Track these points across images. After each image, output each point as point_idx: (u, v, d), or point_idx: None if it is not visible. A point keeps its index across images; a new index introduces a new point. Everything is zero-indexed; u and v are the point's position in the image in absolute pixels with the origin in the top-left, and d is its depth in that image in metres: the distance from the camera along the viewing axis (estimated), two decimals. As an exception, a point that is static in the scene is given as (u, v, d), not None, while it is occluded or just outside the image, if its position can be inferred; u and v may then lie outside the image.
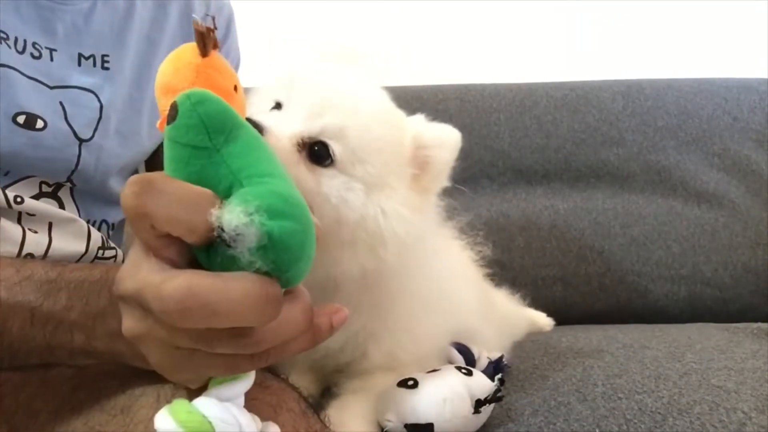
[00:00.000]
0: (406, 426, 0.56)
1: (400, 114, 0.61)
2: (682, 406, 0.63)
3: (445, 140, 0.59)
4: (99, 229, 0.71)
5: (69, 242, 0.64)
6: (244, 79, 0.49)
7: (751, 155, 1.25)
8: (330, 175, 0.54)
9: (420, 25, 1.50)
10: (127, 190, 0.34)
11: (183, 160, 0.36)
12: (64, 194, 0.68)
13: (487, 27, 1.51)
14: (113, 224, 0.75)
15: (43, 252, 0.61)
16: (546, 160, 1.26)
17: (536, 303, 1.09)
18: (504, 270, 1.00)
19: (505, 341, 0.83)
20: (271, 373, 0.55)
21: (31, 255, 0.60)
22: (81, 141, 0.66)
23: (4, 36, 0.61)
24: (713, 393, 0.65)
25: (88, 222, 0.69)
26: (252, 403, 0.47)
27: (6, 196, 0.60)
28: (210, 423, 0.36)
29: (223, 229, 0.33)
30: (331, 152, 0.54)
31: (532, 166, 1.27)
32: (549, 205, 1.24)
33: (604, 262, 1.21)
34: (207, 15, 0.72)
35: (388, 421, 0.57)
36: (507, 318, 0.89)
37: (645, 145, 1.26)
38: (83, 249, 0.65)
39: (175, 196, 0.34)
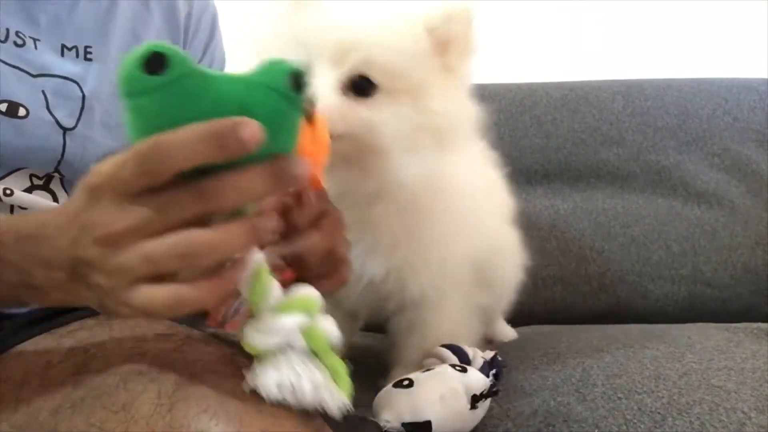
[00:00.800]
0: (404, 425, 0.56)
1: (410, 9, 0.61)
2: (682, 406, 0.63)
3: (452, 13, 0.61)
4: None
5: None
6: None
7: (751, 155, 1.25)
8: (380, 101, 0.57)
9: (420, 25, 1.50)
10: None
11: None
12: (56, 186, 0.68)
13: (487, 27, 1.50)
14: None
15: None
16: (546, 160, 1.26)
17: (536, 303, 1.09)
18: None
19: (518, 264, 0.85)
20: None
21: None
22: (65, 130, 0.67)
23: None
24: (713, 393, 0.65)
25: None
26: (253, 397, 0.47)
27: None
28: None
29: None
30: (372, 81, 0.57)
31: (532, 166, 1.26)
32: (549, 205, 1.24)
33: (604, 262, 1.21)
34: None
35: (386, 421, 0.57)
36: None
37: (645, 145, 1.26)
38: None
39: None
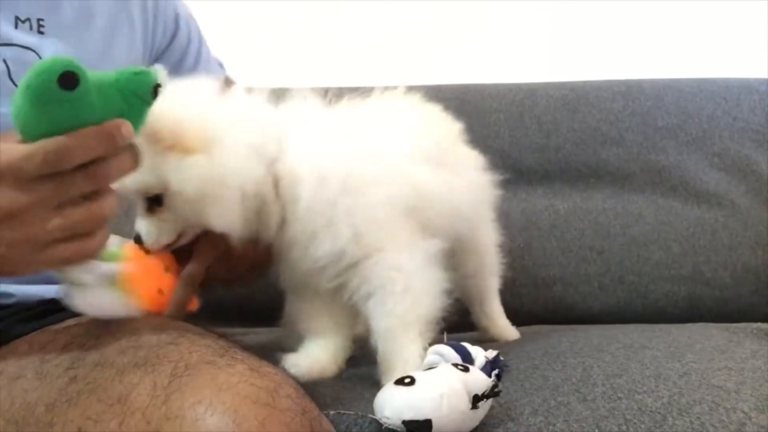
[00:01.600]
0: (404, 422, 0.56)
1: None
2: (682, 406, 0.63)
3: (154, 121, 0.61)
4: None
5: None
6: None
7: (751, 155, 1.25)
8: (167, 206, 0.68)
9: (420, 25, 1.50)
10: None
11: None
12: None
13: (487, 27, 1.51)
14: None
15: None
16: (546, 160, 1.26)
17: (536, 303, 1.09)
18: (504, 270, 1.00)
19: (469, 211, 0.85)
20: (264, 359, 0.55)
21: None
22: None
23: None
24: (713, 393, 0.65)
25: None
26: (250, 388, 0.47)
27: None
28: None
29: None
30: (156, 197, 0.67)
31: (532, 166, 1.26)
32: (549, 205, 1.24)
33: (604, 262, 1.21)
34: None
35: (386, 418, 0.57)
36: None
37: (645, 145, 1.26)
38: None
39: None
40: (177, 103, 0.64)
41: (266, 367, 0.52)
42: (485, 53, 1.49)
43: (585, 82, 1.33)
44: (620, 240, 1.21)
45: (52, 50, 0.70)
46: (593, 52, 1.48)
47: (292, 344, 0.79)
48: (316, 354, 0.78)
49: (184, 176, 0.65)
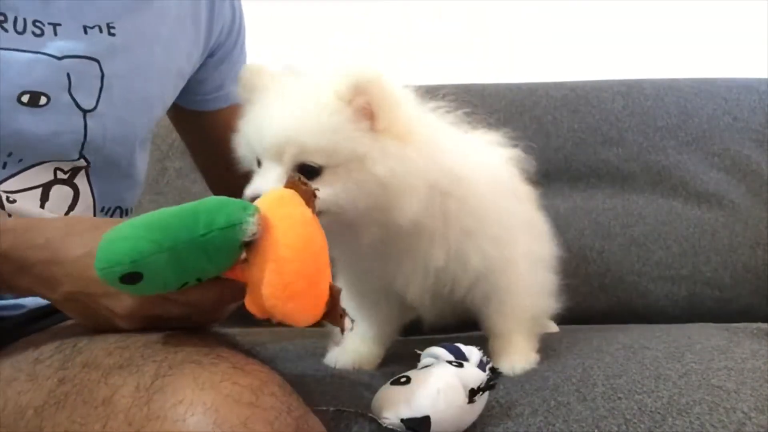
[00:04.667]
0: (403, 421, 0.56)
1: (327, 89, 0.62)
2: (681, 406, 0.63)
3: (360, 83, 0.61)
4: (112, 216, 0.72)
5: None
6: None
7: (751, 155, 1.25)
8: (326, 180, 0.61)
9: (420, 25, 1.50)
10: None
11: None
12: (80, 180, 0.69)
13: (487, 27, 1.50)
14: (127, 210, 0.76)
15: None
16: (546, 160, 1.26)
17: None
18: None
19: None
20: (252, 357, 0.54)
21: None
22: (85, 112, 0.67)
23: (2, 19, 0.62)
24: (713, 393, 0.65)
25: (102, 211, 0.70)
26: (232, 387, 0.46)
27: None
28: None
29: None
30: (314, 166, 0.62)
31: (532, 166, 1.26)
32: (549, 205, 1.24)
33: (604, 262, 1.21)
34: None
35: (385, 418, 0.57)
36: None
37: (645, 145, 1.26)
38: None
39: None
40: (397, 90, 0.63)
41: (252, 365, 0.51)
42: (485, 53, 1.49)
43: (585, 82, 1.33)
44: (620, 240, 1.21)
45: (117, 58, 0.69)
46: (593, 52, 1.48)
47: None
48: (357, 347, 0.79)
49: (389, 159, 0.62)
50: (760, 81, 1.31)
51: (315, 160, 0.61)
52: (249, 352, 0.56)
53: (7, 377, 0.54)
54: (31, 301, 0.70)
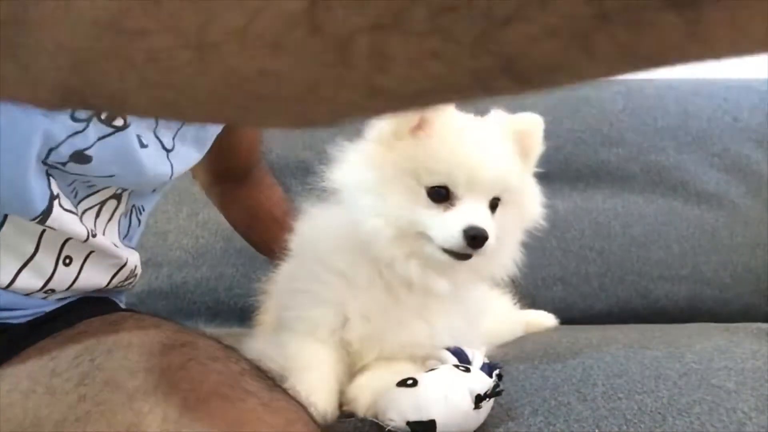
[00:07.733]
0: (409, 424, 0.56)
1: (507, 130, 0.69)
2: (681, 406, 0.63)
3: (531, 125, 0.71)
4: (131, 213, 0.73)
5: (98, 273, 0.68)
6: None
7: (751, 155, 1.25)
8: (501, 213, 0.67)
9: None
10: None
11: None
12: (125, 194, 0.70)
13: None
14: (142, 207, 0.77)
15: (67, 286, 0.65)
16: (546, 160, 1.25)
17: (536, 303, 1.09)
18: (504, 270, 1.00)
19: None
20: (281, 390, 0.54)
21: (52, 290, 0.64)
22: (167, 152, 0.67)
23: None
24: (713, 393, 0.65)
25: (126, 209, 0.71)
26: (257, 424, 0.47)
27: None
28: None
29: None
30: (499, 200, 0.67)
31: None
32: (549, 205, 1.23)
33: (604, 262, 1.21)
34: None
35: (391, 420, 0.57)
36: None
37: (645, 145, 1.26)
38: (106, 281, 0.69)
39: None
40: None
41: (278, 401, 0.51)
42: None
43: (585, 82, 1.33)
44: (620, 240, 1.21)
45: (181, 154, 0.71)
46: (593, 52, 1.48)
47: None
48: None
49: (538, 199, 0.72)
50: (760, 81, 1.31)
51: (503, 195, 0.67)
52: (273, 382, 0.55)
53: (25, 389, 0.54)
54: (32, 304, 0.70)
